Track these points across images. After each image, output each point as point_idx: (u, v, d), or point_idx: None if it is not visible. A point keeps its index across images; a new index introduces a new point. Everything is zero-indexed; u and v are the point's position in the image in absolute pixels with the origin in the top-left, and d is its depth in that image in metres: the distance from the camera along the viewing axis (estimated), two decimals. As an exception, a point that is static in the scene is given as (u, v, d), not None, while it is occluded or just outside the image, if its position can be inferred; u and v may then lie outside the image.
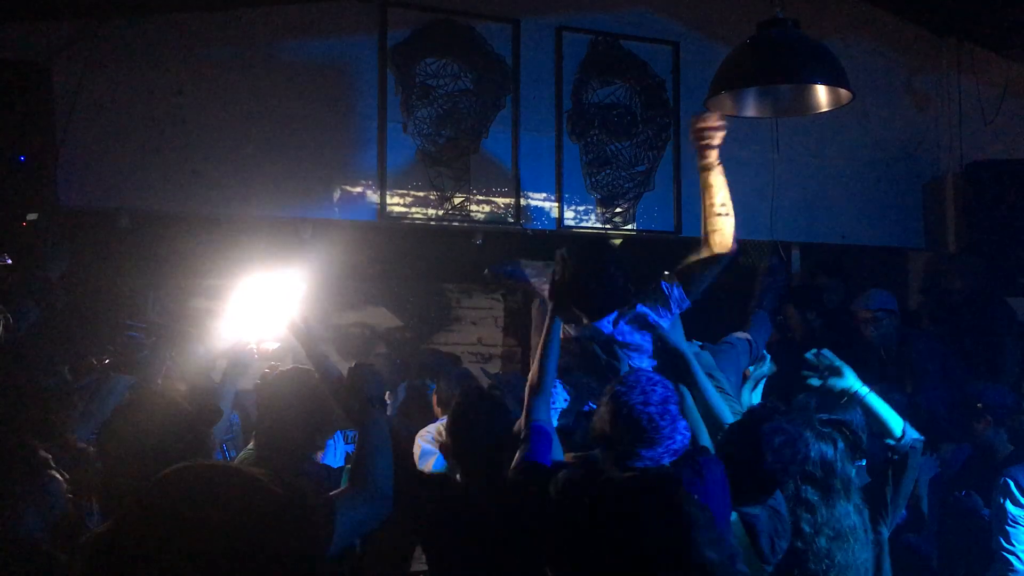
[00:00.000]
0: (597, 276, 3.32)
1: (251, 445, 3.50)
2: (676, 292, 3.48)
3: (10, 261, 3.78)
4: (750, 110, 4.48)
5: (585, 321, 3.46)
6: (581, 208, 5.49)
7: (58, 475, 2.63)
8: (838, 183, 6.12)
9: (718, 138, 3.60)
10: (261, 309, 3.89)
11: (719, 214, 3.58)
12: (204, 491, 1.11)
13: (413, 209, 5.16)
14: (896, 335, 5.18)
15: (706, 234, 3.60)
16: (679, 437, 2.57)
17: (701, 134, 3.60)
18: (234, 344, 3.64)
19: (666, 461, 2.56)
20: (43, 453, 2.60)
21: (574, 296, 3.31)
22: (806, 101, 4.39)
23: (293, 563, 1.10)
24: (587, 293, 3.32)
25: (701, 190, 3.63)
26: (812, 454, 3.07)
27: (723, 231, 3.57)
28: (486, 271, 4.33)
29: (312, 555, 1.13)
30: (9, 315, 3.45)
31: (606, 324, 3.42)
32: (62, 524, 2.56)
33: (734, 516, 2.87)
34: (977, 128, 6.22)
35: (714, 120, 3.61)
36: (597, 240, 4.18)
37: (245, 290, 3.84)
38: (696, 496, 2.36)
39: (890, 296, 5.29)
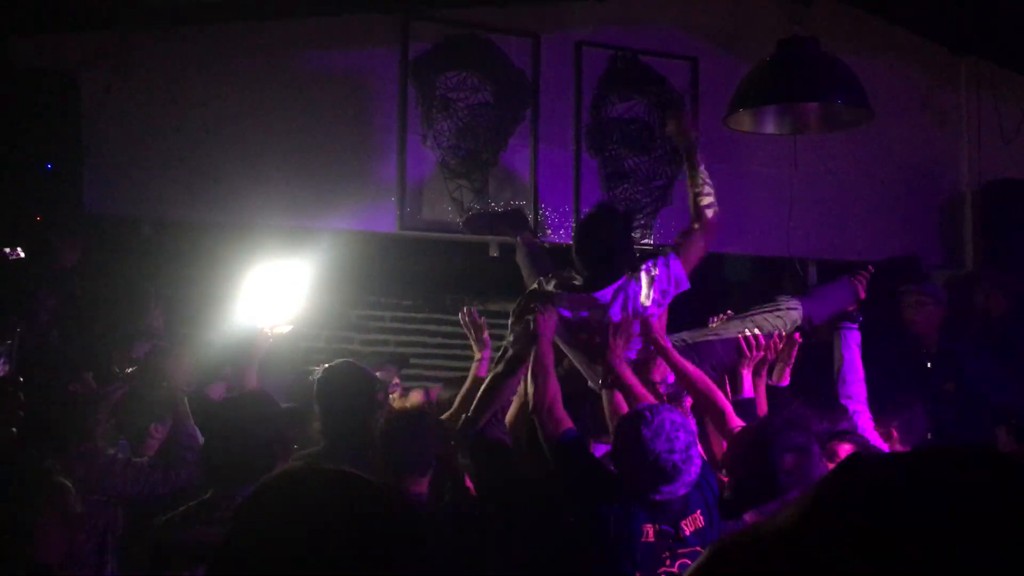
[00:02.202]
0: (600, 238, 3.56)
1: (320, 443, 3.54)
2: (674, 267, 3.58)
3: (22, 255, 3.83)
4: (769, 127, 4.51)
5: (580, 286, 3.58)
6: (598, 222, 5.50)
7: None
8: (856, 200, 6.12)
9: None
10: (273, 296, 3.96)
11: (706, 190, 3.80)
12: (319, 491, 1.13)
13: (431, 221, 5.19)
14: (938, 330, 5.09)
15: (700, 209, 3.76)
16: (694, 470, 2.83)
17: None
18: (249, 329, 3.71)
19: (682, 492, 2.84)
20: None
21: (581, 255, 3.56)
22: (825, 119, 4.42)
23: (404, 561, 1.12)
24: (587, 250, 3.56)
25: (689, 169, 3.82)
26: None
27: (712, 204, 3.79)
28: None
29: (422, 548, 1.15)
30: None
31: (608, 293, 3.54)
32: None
33: None
34: (996, 147, 6.20)
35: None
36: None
37: (258, 278, 3.91)
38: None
39: (941, 288, 5.24)
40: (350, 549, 1.06)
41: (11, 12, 4.14)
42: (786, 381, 3.93)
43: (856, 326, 3.99)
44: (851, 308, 4.02)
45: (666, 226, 5.60)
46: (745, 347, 3.76)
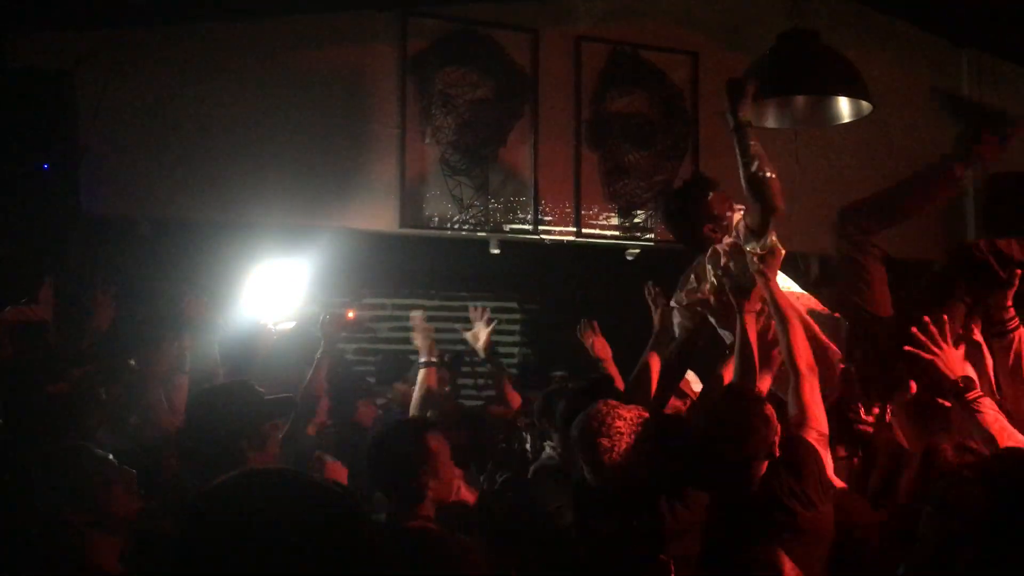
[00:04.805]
0: None
1: None
2: None
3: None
4: (770, 121, 4.47)
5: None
6: (599, 218, 5.49)
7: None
8: (857, 194, 6.06)
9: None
10: (275, 293, 3.97)
11: None
12: (268, 496, 1.11)
13: (432, 218, 5.17)
14: None
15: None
16: None
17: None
18: (254, 325, 3.70)
19: None
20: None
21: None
22: (826, 112, 4.39)
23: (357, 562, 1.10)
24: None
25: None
26: None
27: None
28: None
29: (375, 551, 1.14)
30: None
31: None
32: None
33: None
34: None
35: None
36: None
37: (259, 276, 3.92)
38: None
39: None
40: (301, 551, 1.05)
41: (7, 11, 4.12)
42: None
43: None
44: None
45: (667, 221, 5.58)
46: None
